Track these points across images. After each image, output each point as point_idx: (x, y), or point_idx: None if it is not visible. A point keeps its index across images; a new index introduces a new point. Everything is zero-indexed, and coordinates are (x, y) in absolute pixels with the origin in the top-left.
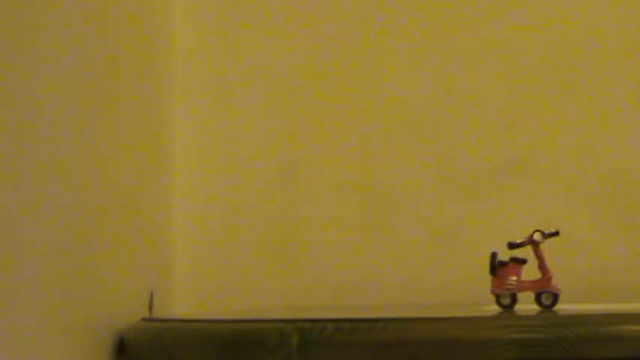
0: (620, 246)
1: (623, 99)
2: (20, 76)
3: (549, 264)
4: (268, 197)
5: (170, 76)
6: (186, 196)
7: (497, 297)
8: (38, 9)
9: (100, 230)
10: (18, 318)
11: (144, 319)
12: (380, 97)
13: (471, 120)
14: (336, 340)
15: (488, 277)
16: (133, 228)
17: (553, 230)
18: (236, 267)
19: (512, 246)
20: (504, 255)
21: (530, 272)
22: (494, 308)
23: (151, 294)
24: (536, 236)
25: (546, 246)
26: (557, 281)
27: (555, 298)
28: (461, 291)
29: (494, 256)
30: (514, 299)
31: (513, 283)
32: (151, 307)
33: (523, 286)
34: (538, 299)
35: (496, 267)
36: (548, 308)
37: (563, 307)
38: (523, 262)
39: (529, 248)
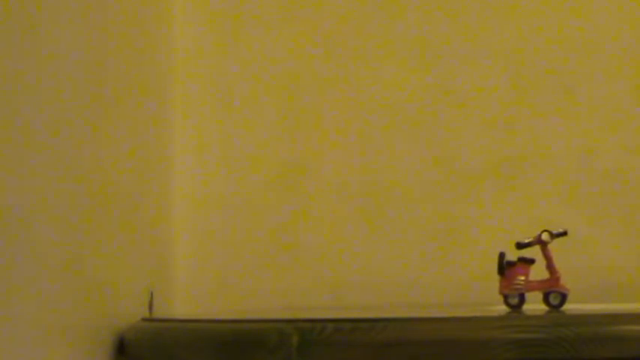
0: (620, 246)
1: (623, 99)
2: (20, 76)
3: None
4: (268, 197)
5: (170, 76)
6: (186, 196)
7: (506, 297)
8: (38, 9)
9: (100, 230)
10: (18, 318)
11: (144, 319)
12: (380, 97)
13: (470, 120)
14: (336, 340)
15: (489, 277)
16: (132, 228)
17: (561, 230)
18: (236, 267)
19: (520, 246)
20: (512, 255)
21: (537, 272)
22: (499, 308)
23: (151, 294)
24: (545, 236)
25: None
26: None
27: (564, 297)
28: (461, 291)
29: (502, 256)
30: (522, 299)
31: (521, 283)
32: (150, 307)
33: (531, 286)
34: (546, 299)
35: (504, 267)
36: (556, 308)
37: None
38: (531, 262)
39: (535, 248)
